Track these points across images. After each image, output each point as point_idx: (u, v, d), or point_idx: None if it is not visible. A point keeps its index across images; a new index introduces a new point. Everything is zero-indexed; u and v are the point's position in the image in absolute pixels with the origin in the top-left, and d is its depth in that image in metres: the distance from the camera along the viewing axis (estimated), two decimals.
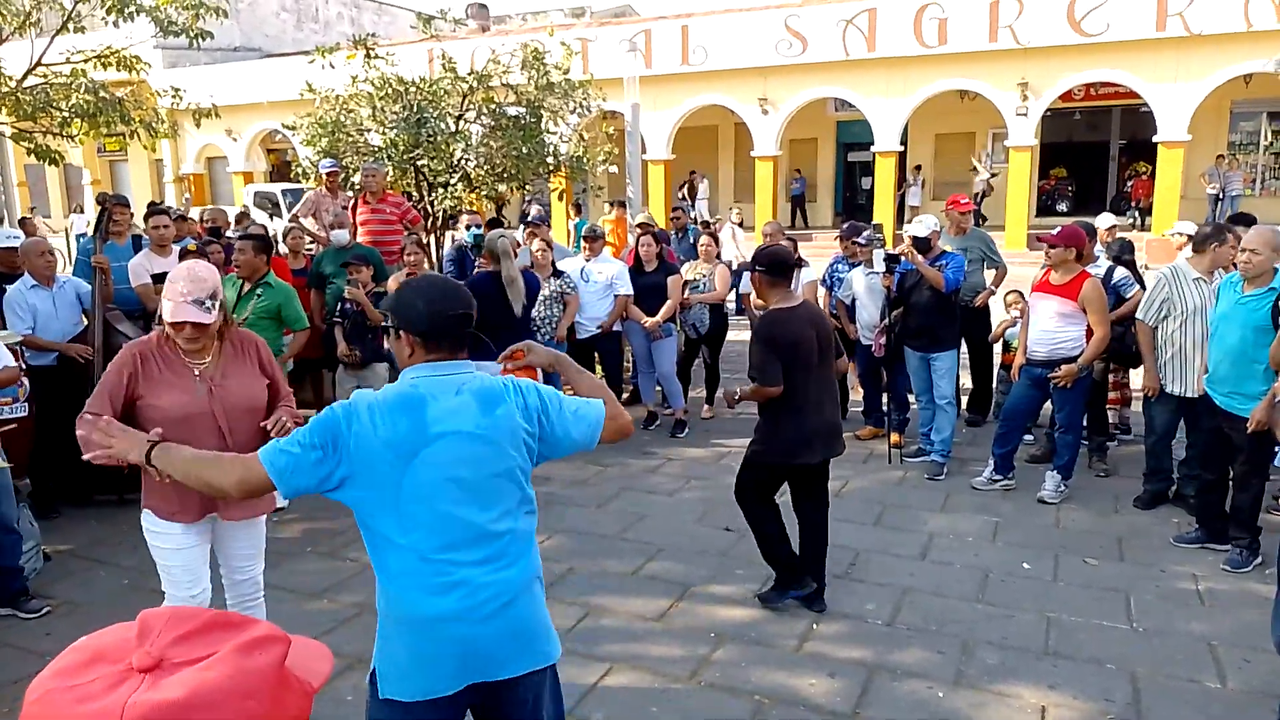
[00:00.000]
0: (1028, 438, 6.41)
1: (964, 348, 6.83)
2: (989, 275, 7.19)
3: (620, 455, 6.66)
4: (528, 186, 10.24)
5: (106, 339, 5.53)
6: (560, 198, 16.41)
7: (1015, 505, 5.60)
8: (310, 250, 7.64)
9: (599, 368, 7.72)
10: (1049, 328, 5.54)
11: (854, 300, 6.95)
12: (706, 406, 7.69)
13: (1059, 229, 5.63)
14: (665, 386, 7.36)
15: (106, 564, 4.94)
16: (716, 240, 7.66)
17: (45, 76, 10.16)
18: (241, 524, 3.32)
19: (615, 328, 7.25)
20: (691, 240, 9.24)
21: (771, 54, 19.48)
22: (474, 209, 8.83)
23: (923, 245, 6.19)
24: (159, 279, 6.06)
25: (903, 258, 6.28)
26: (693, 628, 4.17)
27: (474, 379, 2.19)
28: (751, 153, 20.92)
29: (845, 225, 7.46)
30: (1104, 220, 7.34)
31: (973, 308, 6.84)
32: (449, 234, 10.10)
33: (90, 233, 6.07)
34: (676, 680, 3.73)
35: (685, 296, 7.26)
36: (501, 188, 9.39)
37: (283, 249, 7.82)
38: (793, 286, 6.96)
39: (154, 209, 6.64)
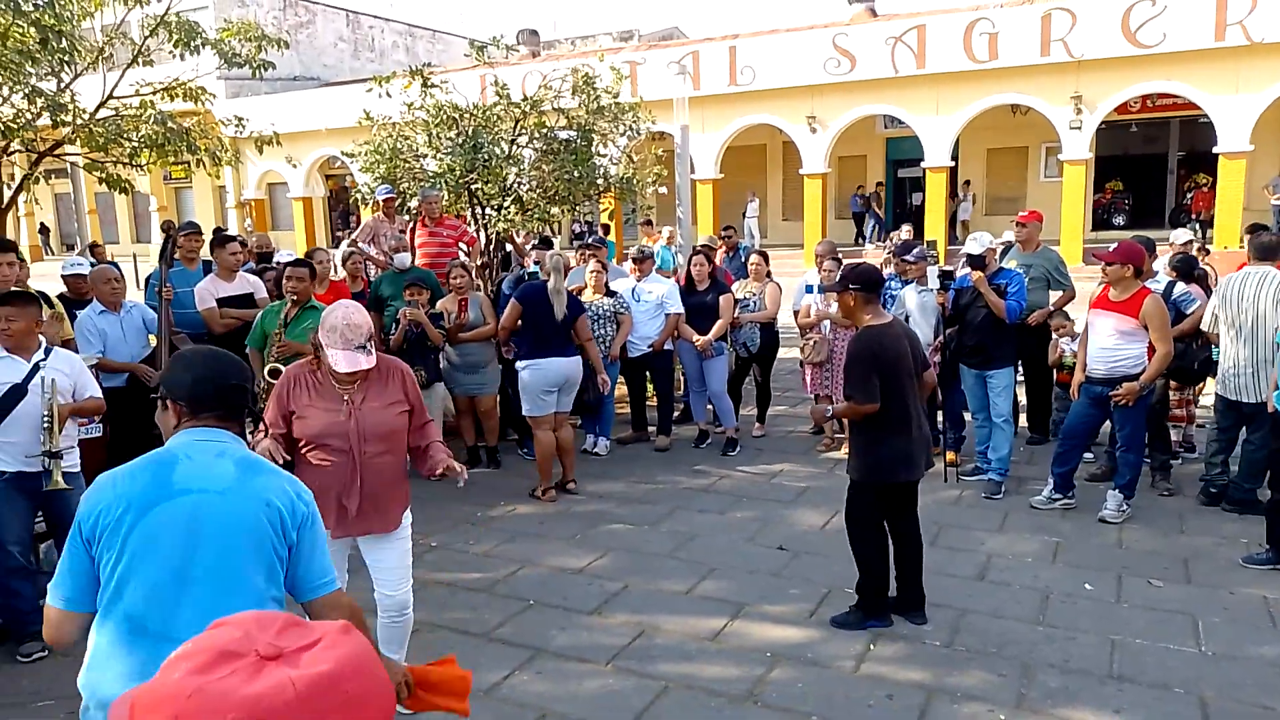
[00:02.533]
0: (1087, 456, 6.29)
1: (1021, 365, 6.74)
2: (1053, 296, 7.01)
3: (671, 474, 6.69)
4: (579, 209, 10.35)
5: None
6: (611, 218, 16.56)
7: (1075, 525, 5.49)
8: (369, 274, 7.84)
9: (650, 385, 7.78)
10: (1108, 345, 5.45)
11: (907, 318, 6.90)
12: (757, 425, 7.68)
13: (1116, 245, 5.55)
14: (716, 405, 7.37)
15: None
16: (766, 259, 7.67)
17: (116, 109, 10.58)
18: (384, 540, 3.53)
19: (667, 346, 7.30)
20: (743, 259, 9.26)
21: (820, 73, 19.47)
22: (530, 232, 8.94)
23: (978, 263, 6.14)
24: (224, 303, 6.27)
25: (958, 275, 6.24)
26: (747, 647, 4.17)
27: (238, 450, 2.15)
28: (800, 171, 20.90)
29: (898, 243, 7.43)
30: (1179, 235, 7.23)
31: (1029, 325, 6.74)
32: (508, 257, 10.27)
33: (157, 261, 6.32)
34: (732, 700, 3.73)
35: (736, 315, 7.28)
36: (554, 210, 9.51)
37: (342, 273, 8.02)
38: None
39: (225, 237, 6.87)
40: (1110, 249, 5.55)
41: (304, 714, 0.76)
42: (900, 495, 4.38)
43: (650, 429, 7.58)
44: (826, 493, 5.98)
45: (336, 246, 12.04)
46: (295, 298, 5.73)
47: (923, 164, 19.74)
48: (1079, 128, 17.95)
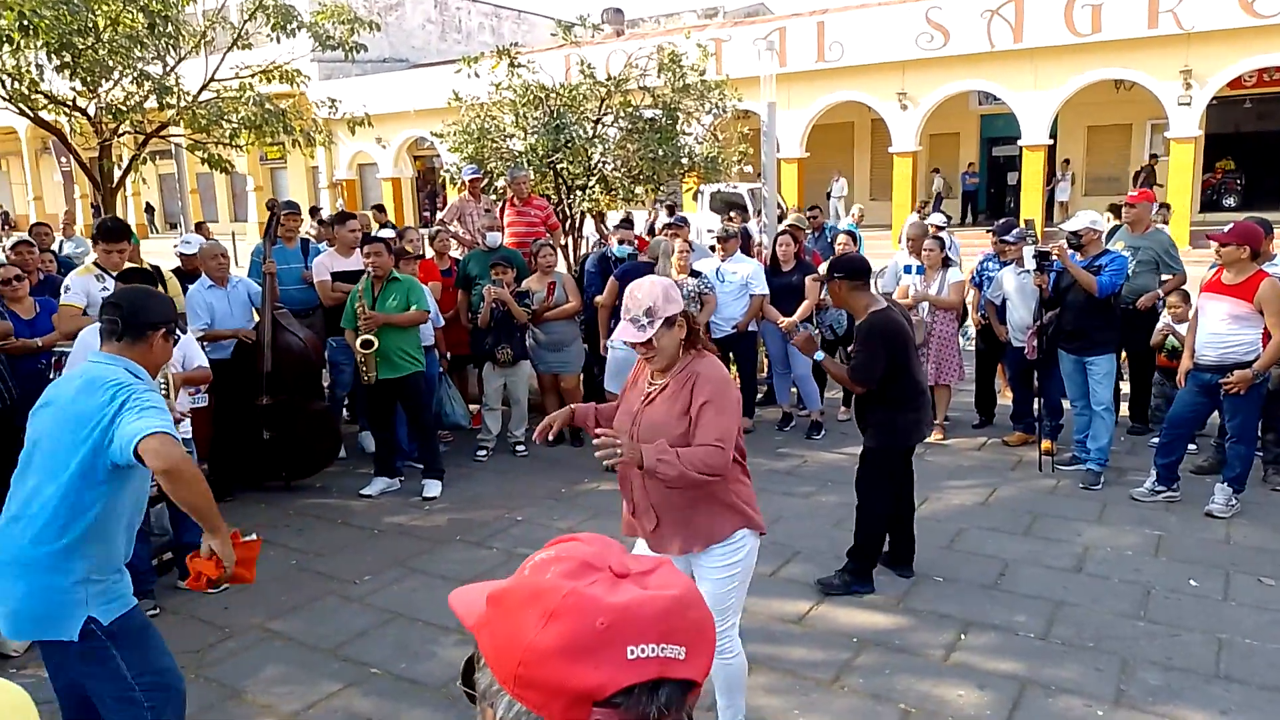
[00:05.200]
0: (1191, 447, 6.01)
1: (1124, 351, 6.46)
2: (1162, 279, 6.68)
3: (755, 456, 6.62)
4: (662, 188, 10.32)
5: (275, 335, 5.93)
6: (695, 198, 16.46)
7: (1180, 519, 5.26)
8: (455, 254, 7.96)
9: (733, 368, 7.73)
10: (1220, 330, 5.18)
11: (1004, 300, 6.69)
12: (843, 409, 7.55)
13: (1231, 226, 5.26)
14: (801, 388, 7.28)
15: (275, 544, 5.28)
16: (855, 240, 7.51)
17: (217, 91, 10.95)
18: (695, 563, 3.10)
19: (751, 328, 7.23)
20: (829, 239, 9.11)
21: (911, 48, 18.95)
22: (620, 217, 8.95)
23: (1074, 241, 5.90)
24: (339, 277, 6.47)
25: (1054, 257, 6.01)
26: (833, 631, 4.12)
27: (96, 370, 2.65)
28: (889, 149, 20.42)
29: (999, 222, 7.19)
30: None
31: (1135, 310, 6.45)
32: (585, 236, 10.32)
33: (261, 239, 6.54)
34: (819, 685, 3.70)
35: (822, 297, 7.16)
36: (638, 190, 9.49)
37: (429, 252, 8.16)
38: (939, 288, 6.79)
39: (345, 214, 7.12)
40: (1224, 230, 5.26)
41: (661, 626, 0.81)
42: (908, 458, 4.66)
43: None
44: (916, 477, 5.83)
45: (425, 226, 12.26)
46: (376, 272, 5.87)
47: (1019, 142, 19.07)
48: (1188, 104, 17.08)
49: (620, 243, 7.59)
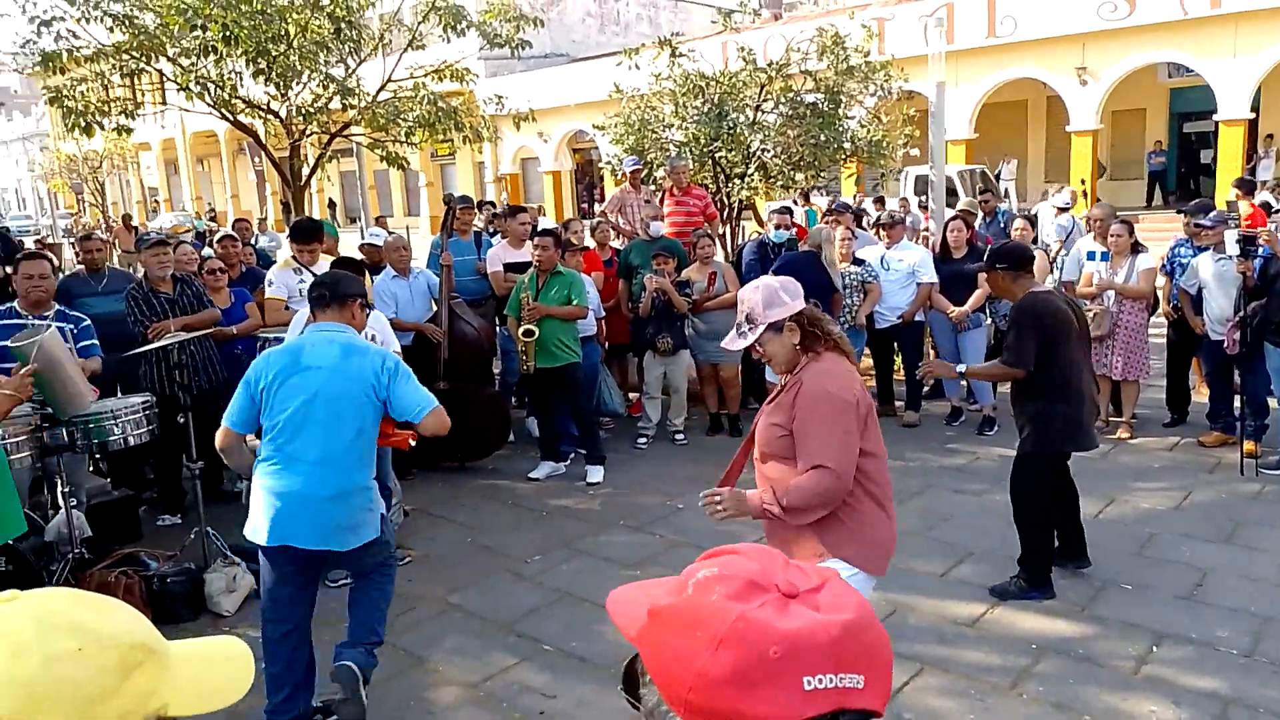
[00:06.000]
0: None
1: None
2: None
3: (921, 451, 6.43)
4: (823, 174, 10.11)
5: (451, 324, 6.22)
6: (857, 183, 16.06)
7: None
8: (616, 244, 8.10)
9: (898, 359, 7.51)
10: None
11: (1200, 289, 6.18)
12: None
13: None
14: (972, 381, 6.99)
15: (451, 521, 5.56)
16: (1033, 225, 7.13)
17: (394, 92, 11.56)
18: None
19: (918, 318, 7.00)
20: (1002, 224, 8.69)
21: (1092, 19, 17.72)
22: (779, 206, 8.85)
23: None
24: (510, 268, 6.74)
25: (1263, 243, 5.50)
26: (1010, 636, 3.94)
27: (345, 337, 3.31)
28: (1066, 128, 19.21)
29: (1193, 203, 6.66)
30: None
31: None
32: (742, 225, 10.26)
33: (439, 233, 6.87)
34: (994, 690, 3.55)
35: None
36: (799, 176, 9.35)
37: (590, 242, 8.33)
38: (1126, 275, 6.37)
39: (516, 209, 7.45)
40: None
41: (837, 653, 0.77)
42: (1064, 464, 4.38)
43: (897, 404, 7.32)
44: (1098, 477, 5.50)
45: (584, 218, 12.52)
46: (542, 265, 6.04)
47: (1215, 117, 17.52)
48: None
49: (777, 228, 7.50)
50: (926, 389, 7.53)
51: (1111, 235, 6.40)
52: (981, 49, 19.04)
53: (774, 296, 2.73)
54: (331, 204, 35.06)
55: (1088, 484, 5.55)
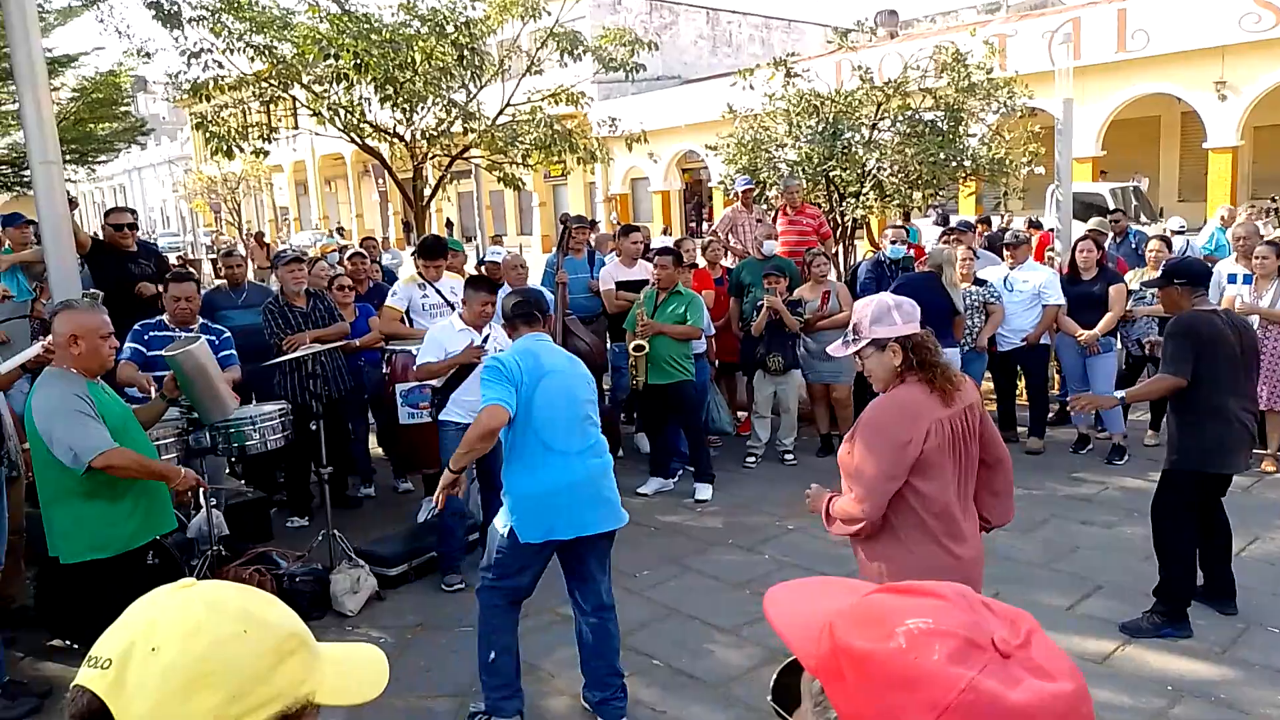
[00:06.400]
0: None
1: None
2: None
3: (1045, 480, 6.18)
4: (941, 193, 9.89)
5: (565, 339, 6.34)
6: (979, 202, 15.64)
7: None
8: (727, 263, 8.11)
9: (1021, 382, 7.24)
10: None
11: None
12: (1150, 432, 6.83)
13: None
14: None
15: None
16: (1169, 246, 6.79)
17: (512, 115, 11.91)
18: None
19: (1043, 340, 6.75)
20: (1133, 244, 8.30)
21: (1233, 30, 16.80)
22: (894, 222, 8.70)
23: None
24: (622, 286, 6.83)
25: None
26: (1143, 676, 3.74)
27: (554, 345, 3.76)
28: (1204, 144, 18.24)
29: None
30: None
31: None
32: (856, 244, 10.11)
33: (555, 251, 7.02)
34: None
35: (1129, 309, 6.53)
36: (916, 195, 9.17)
37: (701, 261, 8.36)
38: (1273, 300, 6.02)
39: (629, 228, 7.53)
40: None
41: None
42: (1215, 487, 4.18)
43: (1019, 429, 7.05)
44: (1241, 512, 5.15)
45: (692, 237, 12.58)
46: (661, 283, 6.10)
47: None
48: None
49: (893, 243, 7.36)
50: (1051, 415, 7.23)
51: (1257, 257, 6.03)
52: (1111, 64, 18.30)
53: (885, 314, 2.71)
54: (449, 223, 36.22)
55: (1230, 519, 5.24)
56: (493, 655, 3.55)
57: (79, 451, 3.27)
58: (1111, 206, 13.62)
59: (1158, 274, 6.65)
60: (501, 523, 3.50)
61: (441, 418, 4.91)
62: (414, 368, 5.08)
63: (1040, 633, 0.78)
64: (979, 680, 0.72)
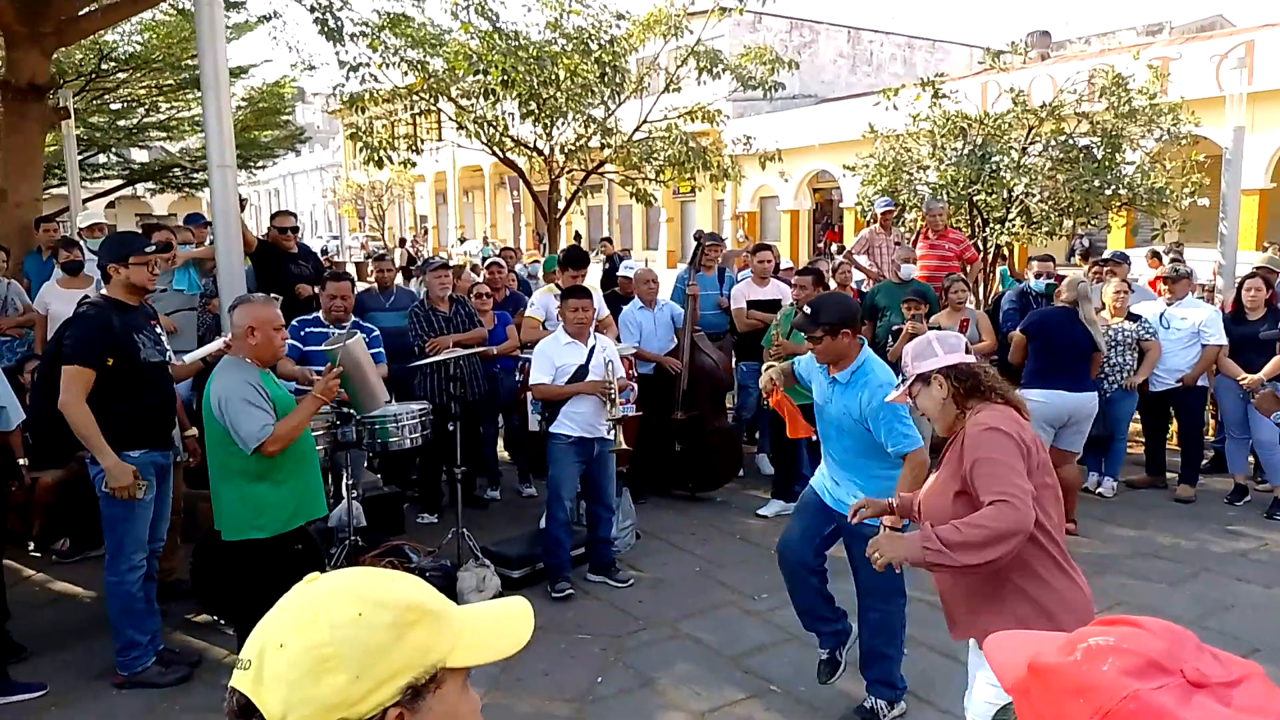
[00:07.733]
0: None
1: None
2: None
3: (1196, 530, 5.79)
4: (1094, 221, 9.43)
5: (691, 354, 6.35)
6: (1134, 233, 14.85)
7: None
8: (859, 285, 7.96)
9: (1173, 425, 6.82)
10: None
11: None
12: None
13: None
14: (1262, 456, 6.21)
15: (681, 550, 5.64)
16: None
17: (648, 132, 12.06)
18: (971, 658, 2.81)
19: (1201, 382, 6.33)
20: None
21: None
22: (1040, 251, 8.34)
23: None
24: (754, 305, 6.80)
25: None
26: None
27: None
28: None
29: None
30: None
31: None
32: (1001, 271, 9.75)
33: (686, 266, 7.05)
34: None
35: None
36: (1067, 223, 8.78)
37: (832, 283, 8.23)
38: None
39: (761, 246, 7.50)
40: None
41: None
42: None
43: (1170, 475, 6.63)
44: None
45: (820, 258, 12.39)
46: (800, 303, 6.02)
47: None
48: None
49: (1037, 276, 7.06)
50: (1206, 461, 6.78)
51: None
52: None
53: (925, 348, 2.66)
54: (577, 236, 36.95)
55: None
56: None
57: (245, 436, 3.51)
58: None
59: None
60: None
61: (552, 430, 4.95)
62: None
63: (1262, 681, 0.75)
64: (1147, 693, 0.73)
